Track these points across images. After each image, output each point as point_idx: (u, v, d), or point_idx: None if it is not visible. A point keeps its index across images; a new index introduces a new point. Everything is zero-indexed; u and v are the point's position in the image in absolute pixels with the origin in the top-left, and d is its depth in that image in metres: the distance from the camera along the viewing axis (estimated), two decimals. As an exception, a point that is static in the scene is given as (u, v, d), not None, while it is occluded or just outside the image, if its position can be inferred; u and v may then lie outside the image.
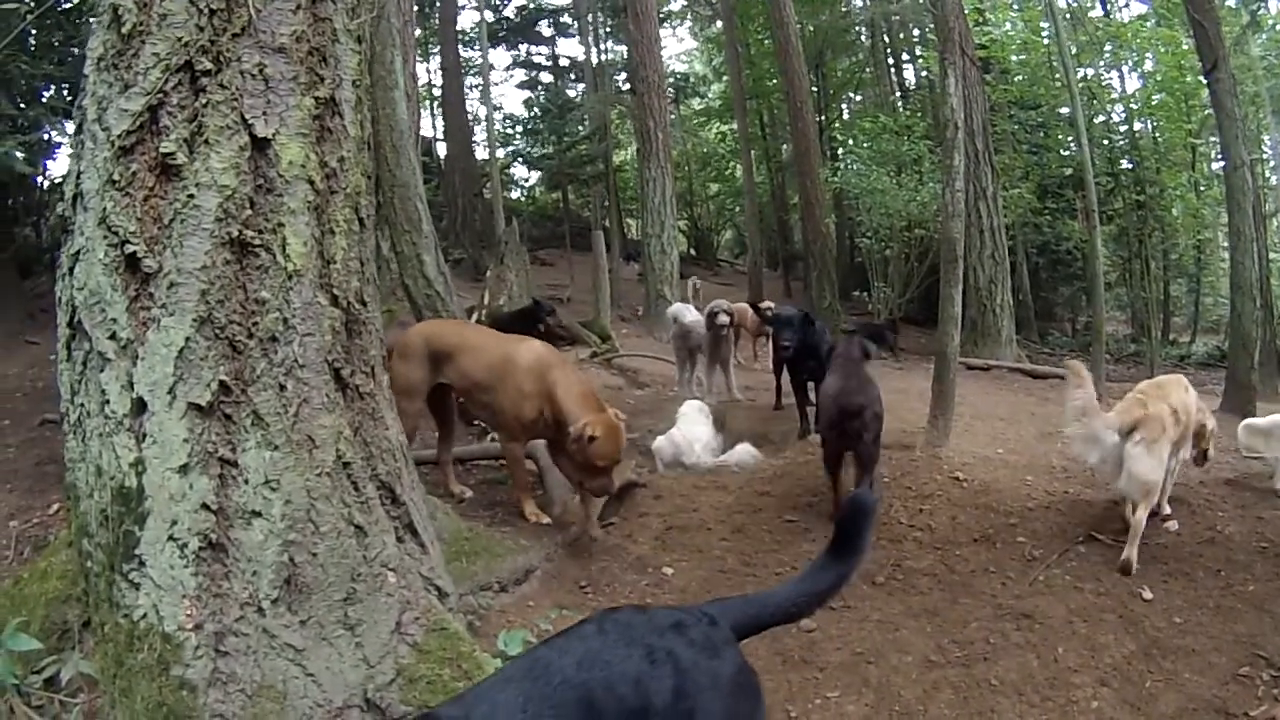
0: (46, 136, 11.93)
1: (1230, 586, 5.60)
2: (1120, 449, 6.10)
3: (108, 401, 3.29)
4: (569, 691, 2.18)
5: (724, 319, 11.00)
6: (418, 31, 25.27)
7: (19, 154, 9.87)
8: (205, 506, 3.21)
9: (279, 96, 3.44)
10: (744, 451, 8.27)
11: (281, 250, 3.39)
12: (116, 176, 3.27)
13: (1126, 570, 5.76)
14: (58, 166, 13.15)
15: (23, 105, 11.03)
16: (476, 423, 8.31)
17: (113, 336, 3.28)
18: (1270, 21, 22.94)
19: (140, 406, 3.24)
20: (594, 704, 2.19)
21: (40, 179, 13.91)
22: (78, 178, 3.43)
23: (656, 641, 2.35)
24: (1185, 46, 19.40)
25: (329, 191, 3.60)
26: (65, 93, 11.22)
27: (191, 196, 3.27)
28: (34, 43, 11.23)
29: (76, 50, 10.29)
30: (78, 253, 3.39)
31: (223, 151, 3.30)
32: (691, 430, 8.45)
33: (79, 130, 3.48)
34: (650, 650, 2.32)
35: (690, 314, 12.11)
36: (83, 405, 3.42)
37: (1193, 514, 6.84)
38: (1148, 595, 5.54)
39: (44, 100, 11.59)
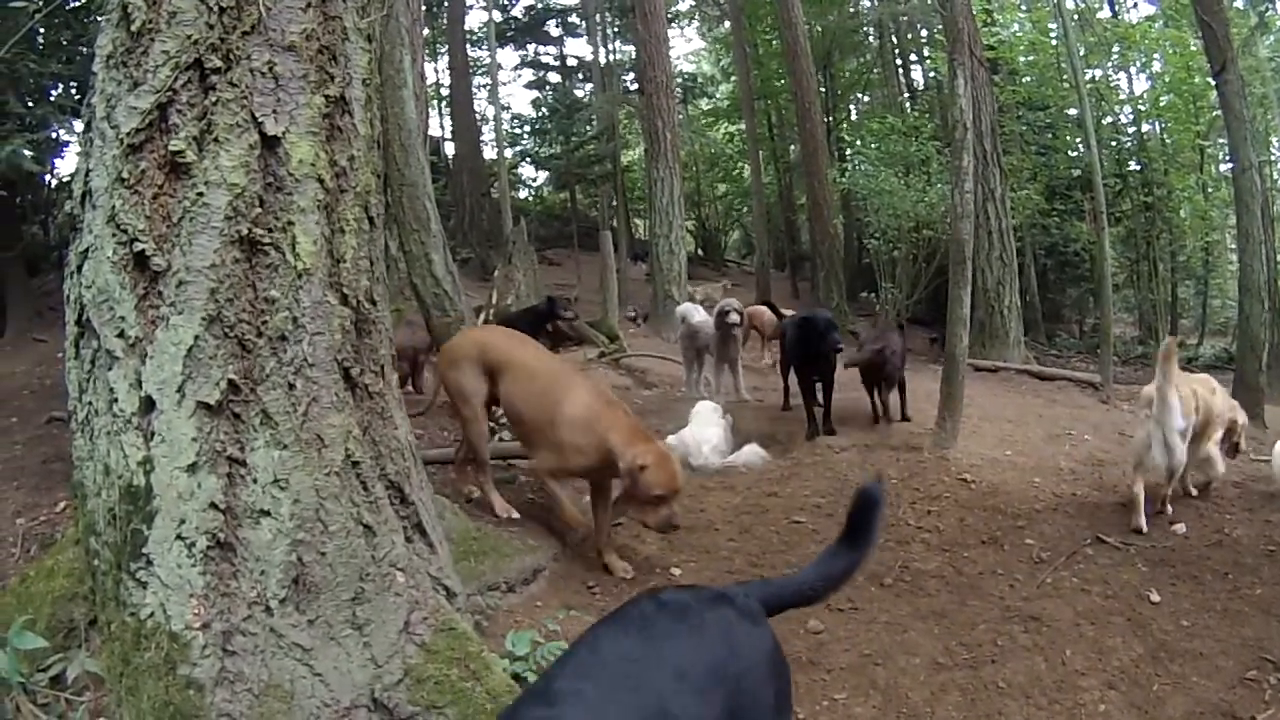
0: (54, 135, 11.93)
1: (1238, 590, 5.61)
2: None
3: (116, 400, 3.28)
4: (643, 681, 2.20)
5: (734, 318, 10.97)
6: (426, 31, 25.32)
7: (27, 152, 9.87)
8: (213, 505, 3.20)
9: (289, 95, 3.43)
10: (751, 452, 8.27)
11: (291, 249, 3.38)
12: (125, 174, 3.26)
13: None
14: (66, 165, 13.17)
15: (30, 103, 11.04)
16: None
17: (121, 334, 3.27)
18: (1279, 22, 22.90)
19: (149, 405, 3.23)
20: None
21: (48, 177, 13.93)
22: (86, 175, 3.43)
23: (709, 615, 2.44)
24: (1194, 48, 19.40)
25: (339, 190, 3.59)
26: (73, 91, 11.24)
27: (201, 194, 3.26)
28: (42, 41, 11.25)
29: (85, 48, 10.31)
30: (86, 250, 3.38)
31: (232, 150, 3.29)
32: (703, 431, 8.46)
33: (88, 128, 3.47)
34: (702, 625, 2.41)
35: (698, 314, 12.10)
36: (91, 403, 3.42)
37: (1200, 517, 6.86)
38: (1155, 598, 5.54)
39: (52, 98, 11.61)
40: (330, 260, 3.53)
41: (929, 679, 4.75)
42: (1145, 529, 6.57)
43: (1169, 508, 6.88)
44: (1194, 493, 7.36)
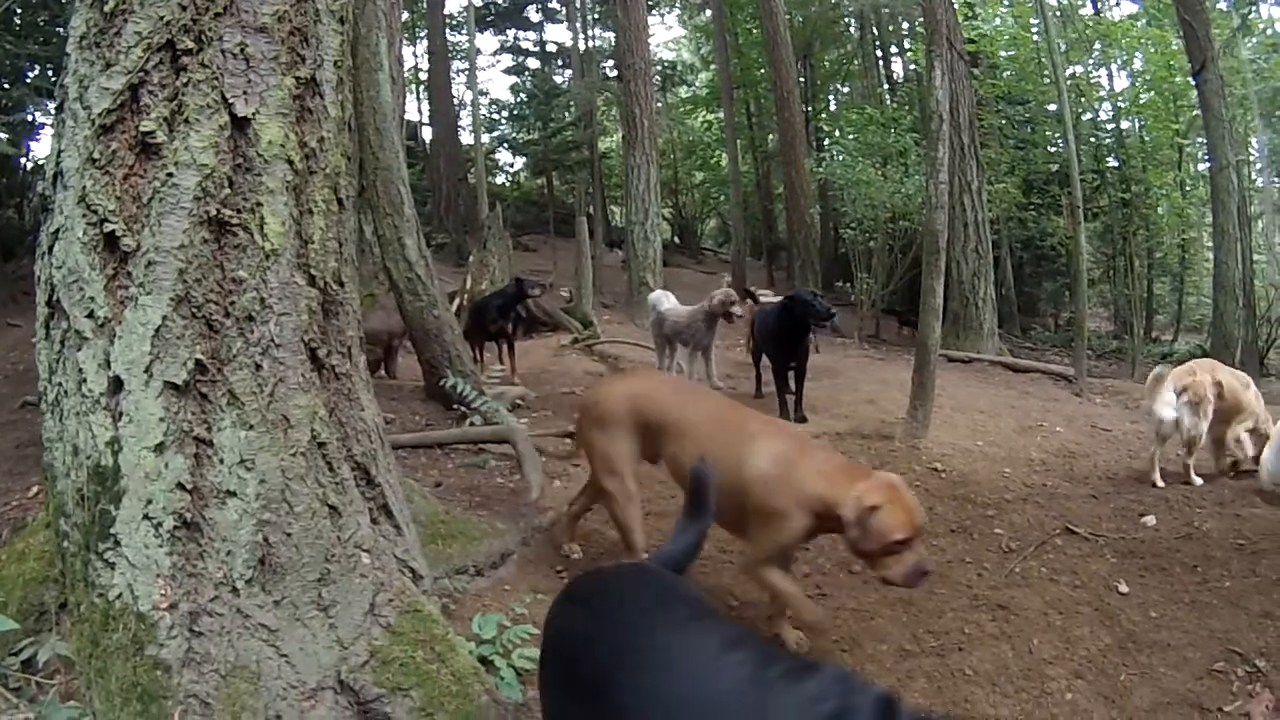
0: (30, 118, 11.91)
1: (1207, 582, 5.64)
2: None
3: (85, 380, 3.27)
4: None
5: (738, 310, 11.02)
6: (405, 15, 25.26)
7: (2, 135, 9.83)
8: (180, 486, 3.19)
9: (260, 76, 3.42)
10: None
11: (259, 229, 3.37)
12: (96, 155, 3.25)
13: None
14: (41, 148, 13.15)
15: (6, 86, 11.01)
16: (456, 406, 8.32)
17: (90, 315, 3.26)
18: (1260, 25, 23.05)
19: (117, 385, 3.23)
20: None
21: (24, 160, 13.89)
22: (58, 156, 3.41)
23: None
24: (1175, 47, 19.50)
25: (308, 171, 3.58)
26: (50, 73, 11.18)
27: (170, 175, 3.25)
28: (18, 22, 11.20)
29: (61, 30, 10.27)
30: (57, 231, 3.37)
31: (202, 130, 3.28)
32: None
33: (60, 109, 3.45)
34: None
35: (668, 301, 12.14)
36: (60, 384, 3.41)
37: (1171, 510, 6.93)
38: (1124, 589, 5.58)
39: (28, 80, 11.57)
40: (298, 241, 3.52)
41: (895, 666, 4.79)
42: (1160, 484, 7.37)
43: (1193, 477, 7.47)
44: (1229, 471, 7.78)
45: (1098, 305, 24.55)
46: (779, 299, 11.21)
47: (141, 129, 3.24)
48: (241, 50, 3.39)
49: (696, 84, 39.60)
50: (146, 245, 3.22)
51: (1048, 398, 12.31)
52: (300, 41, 3.58)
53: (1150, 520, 6.66)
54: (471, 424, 7.97)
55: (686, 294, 14.08)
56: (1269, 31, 23.45)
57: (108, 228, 3.22)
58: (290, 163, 3.48)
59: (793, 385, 9.74)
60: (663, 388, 5.88)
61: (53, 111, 3.61)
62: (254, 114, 3.39)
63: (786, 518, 4.64)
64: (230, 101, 3.34)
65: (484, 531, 5.64)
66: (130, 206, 3.25)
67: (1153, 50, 21.54)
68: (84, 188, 3.26)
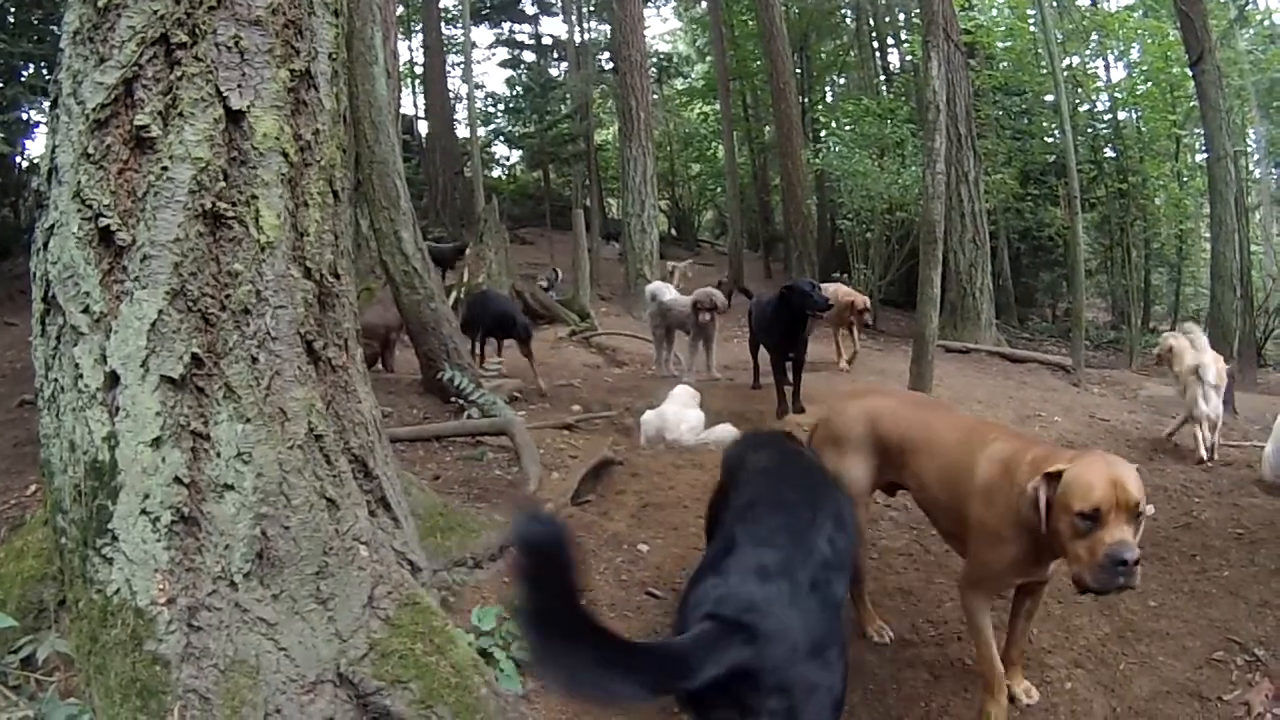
0: (25, 116, 11.88)
1: (1205, 571, 5.66)
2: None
3: (81, 376, 3.26)
4: None
5: (705, 317, 11.15)
6: (400, 9, 25.25)
7: (-3, 133, 9.83)
8: (178, 480, 3.19)
9: (254, 69, 3.41)
10: (724, 431, 8.28)
11: (255, 222, 3.37)
12: (91, 150, 3.24)
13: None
14: (36, 146, 13.11)
15: (1, 85, 10.98)
16: (453, 399, 8.33)
17: (86, 310, 3.25)
18: (1258, 16, 23.07)
19: (113, 380, 3.22)
20: None
21: (19, 159, 13.87)
22: (53, 152, 3.40)
23: None
24: (1172, 37, 19.52)
25: (303, 164, 3.57)
26: (44, 72, 11.16)
27: (165, 169, 3.24)
28: (12, 20, 11.18)
29: (56, 28, 10.25)
30: (52, 227, 3.35)
31: (197, 124, 3.28)
32: (684, 411, 8.49)
33: (54, 105, 3.44)
34: None
35: (668, 292, 12.18)
36: (57, 380, 3.40)
37: (1170, 499, 6.95)
38: (1123, 580, 5.59)
39: (22, 79, 11.55)
40: (294, 234, 3.52)
41: (895, 655, 4.79)
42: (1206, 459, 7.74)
43: (1214, 455, 7.85)
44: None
45: (1095, 296, 24.68)
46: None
47: (136, 123, 3.23)
48: (236, 43, 3.38)
49: (693, 76, 39.66)
50: (142, 239, 3.21)
51: (1045, 388, 12.33)
52: (295, 34, 3.57)
53: (1149, 510, 6.65)
54: (469, 417, 7.98)
55: (684, 286, 14.13)
56: (1266, 23, 23.53)
57: (103, 222, 3.21)
58: (285, 155, 3.48)
59: (791, 376, 9.74)
60: (902, 403, 5.14)
61: (47, 108, 3.59)
62: (248, 107, 3.38)
63: (1000, 539, 3.96)
64: (225, 95, 3.33)
65: (482, 524, 5.62)
66: (125, 201, 3.24)
67: (1150, 41, 21.56)
68: (79, 183, 3.25)
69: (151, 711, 3.05)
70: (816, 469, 4.17)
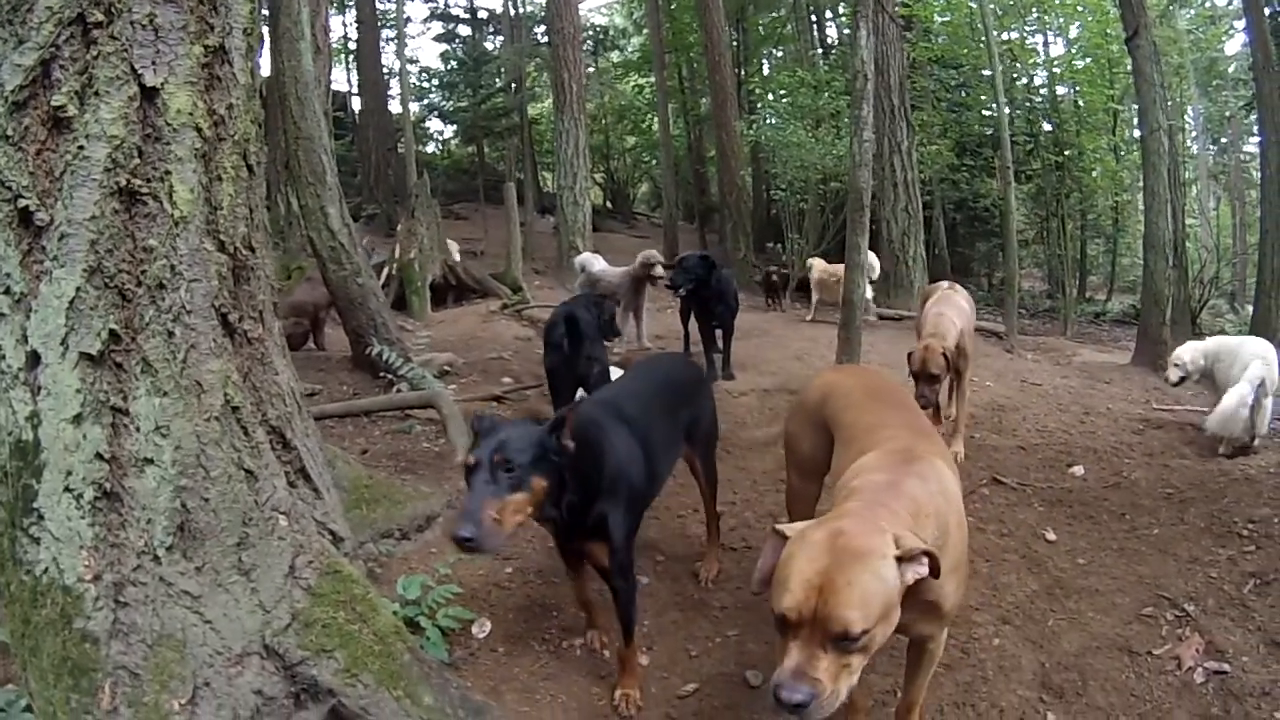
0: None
1: (1135, 529, 5.79)
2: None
3: (3, 356, 3.26)
4: None
5: (659, 271, 11.35)
6: (333, -16, 25.00)
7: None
8: (99, 456, 3.20)
9: (168, 45, 3.41)
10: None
11: (169, 198, 3.38)
12: (10, 132, 3.22)
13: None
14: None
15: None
16: (383, 374, 8.34)
17: (7, 291, 3.25)
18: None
19: (34, 359, 3.22)
20: None
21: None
22: (-27, 135, 3.40)
23: None
24: (1111, 15, 19.74)
25: (217, 139, 3.58)
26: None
27: (81, 148, 3.24)
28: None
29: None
30: (-28, 210, 3.35)
31: (112, 102, 3.27)
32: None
33: (-26, 88, 3.44)
34: None
35: (598, 263, 12.26)
36: (-18, 363, 3.40)
37: (1099, 461, 7.06)
38: (1051, 537, 5.72)
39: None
40: (208, 208, 3.53)
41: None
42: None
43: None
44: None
45: (1031, 265, 25.09)
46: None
47: (53, 104, 3.22)
48: (150, 20, 3.37)
49: (629, 48, 39.51)
50: (59, 219, 3.21)
51: (979, 354, 12.44)
52: (209, 10, 3.57)
53: (1078, 470, 6.79)
54: (398, 391, 7.99)
55: (619, 258, 14.14)
56: (1207, 4, 23.86)
57: (22, 203, 3.20)
58: (199, 130, 3.48)
59: (721, 344, 9.84)
60: (855, 378, 4.61)
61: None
62: (162, 84, 3.37)
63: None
64: (139, 72, 3.32)
65: (409, 495, 5.67)
66: (43, 181, 3.23)
67: (1089, 19, 21.79)
68: (-1, 165, 3.25)
69: (83, 690, 3.07)
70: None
